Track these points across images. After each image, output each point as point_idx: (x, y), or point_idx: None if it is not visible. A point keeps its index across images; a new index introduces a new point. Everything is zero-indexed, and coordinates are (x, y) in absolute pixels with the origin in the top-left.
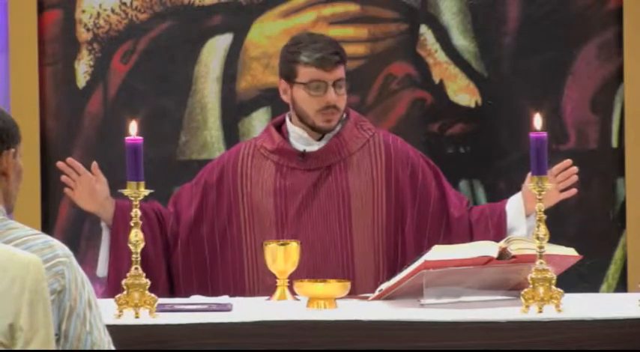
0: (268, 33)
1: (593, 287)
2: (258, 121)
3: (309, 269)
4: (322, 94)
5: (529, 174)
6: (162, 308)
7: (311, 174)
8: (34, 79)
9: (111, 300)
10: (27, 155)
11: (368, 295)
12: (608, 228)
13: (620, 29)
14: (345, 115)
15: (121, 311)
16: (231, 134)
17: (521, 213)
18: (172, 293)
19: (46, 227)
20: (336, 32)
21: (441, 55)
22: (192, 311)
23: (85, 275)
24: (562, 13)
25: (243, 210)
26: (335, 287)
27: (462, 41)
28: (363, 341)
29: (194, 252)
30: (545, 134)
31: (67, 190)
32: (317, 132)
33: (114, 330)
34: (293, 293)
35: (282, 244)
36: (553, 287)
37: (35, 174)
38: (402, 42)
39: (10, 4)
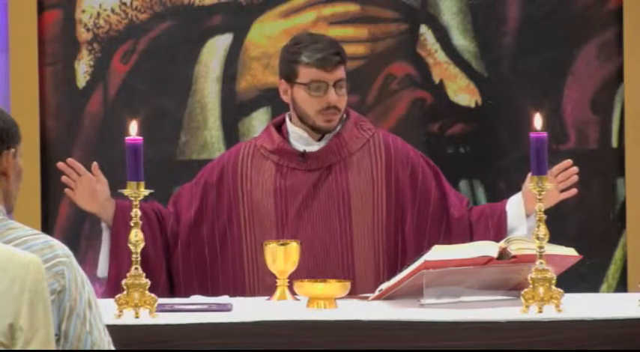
0: (268, 33)
1: (593, 287)
2: (258, 121)
3: (310, 269)
4: (323, 95)
5: (529, 174)
6: (162, 308)
7: (311, 175)
8: (34, 79)
9: (111, 300)
10: (27, 155)
11: (368, 295)
12: (608, 228)
13: (620, 29)
14: (345, 115)
15: (121, 311)
16: (231, 134)
17: (522, 213)
18: (172, 293)
19: (46, 227)
20: (336, 32)
21: (441, 55)
22: (192, 311)
23: (85, 276)
24: (562, 13)
25: (243, 210)
26: (335, 287)
27: (462, 41)
28: (363, 341)
29: (194, 252)
30: (545, 134)
31: (67, 191)
32: (317, 132)
33: (114, 330)
34: (293, 293)
35: (282, 244)
36: (553, 287)
37: (35, 174)
38: (402, 42)
39: (10, 4)
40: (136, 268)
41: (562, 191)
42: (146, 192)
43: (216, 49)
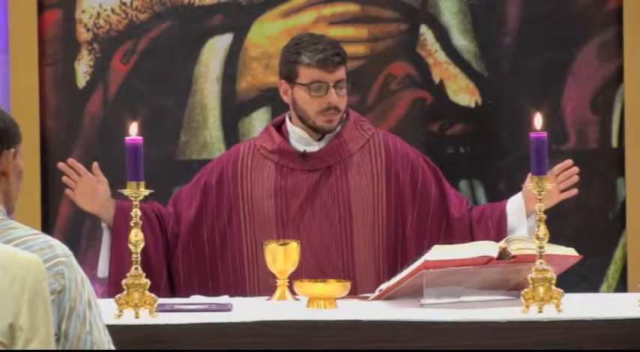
0: (268, 33)
1: (593, 287)
2: (258, 121)
3: (310, 270)
4: (323, 95)
5: (529, 174)
6: (162, 308)
7: (311, 175)
8: (34, 79)
9: (111, 300)
10: (27, 155)
11: (368, 295)
12: (608, 228)
13: (620, 29)
14: (345, 116)
15: (121, 311)
16: (231, 134)
17: (522, 213)
18: (173, 294)
19: (46, 227)
20: (336, 32)
21: (441, 55)
22: (192, 311)
23: (85, 275)
24: (562, 13)
25: (243, 210)
26: (335, 287)
27: (462, 41)
28: (363, 341)
29: (194, 253)
30: (545, 134)
31: (67, 191)
32: (317, 132)
33: (114, 330)
34: (293, 293)
35: (282, 244)
36: (553, 287)
37: (35, 174)
38: (402, 42)
39: (10, 4)
40: (136, 268)
41: (562, 191)
42: (146, 192)
43: (216, 49)
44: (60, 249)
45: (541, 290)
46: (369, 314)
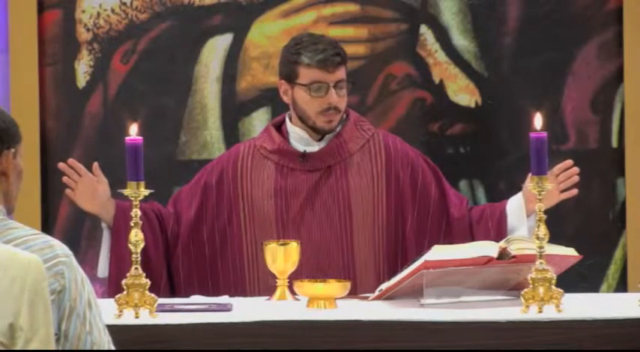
0: (268, 33)
1: (593, 287)
2: (258, 121)
3: (310, 270)
4: (323, 95)
5: (529, 174)
6: (162, 308)
7: (311, 175)
8: (34, 79)
9: (111, 300)
10: (27, 155)
11: (368, 295)
12: (608, 228)
13: (620, 29)
14: (345, 116)
15: (121, 311)
16: (231, 134)
17: (522, 213)
18: (173, 294)
19: (46, 227)
20: (336, 32)
21: (441, 55)
22: (192, 311)
23: (85, 275)
24: (562, 13)
25: (243, 210)
26: (335, 287)
27: (462, 41)
28: (363, 341)
29: (194, 253)
30: (545, 134)
31: (68, 191)
32: (317, 132)
33: (114, 330)
34: (293, 293)
35: (282, 244)
36: (553, 287)
37: (35, 174)
38: (402, 42)
39: (10, 4)
40: (136, 268)
41: (562, 191)
42: (146, 192)
43: (216, 49)
44: (60, 249)
45: (541, 290)
46: (369, 314)
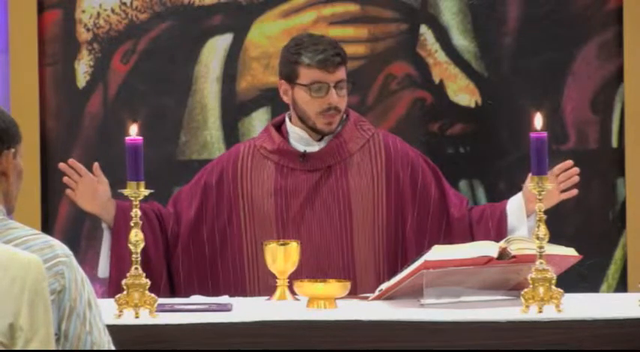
0: (268, 33)
1: (593, 287)
2: (258, 121)
3: (310, 270)
4: (324, 96)
5: (530, 174)
6: (162, 308)
7: (311, 175)
8: (34, 79)
9: (111, 300)
10: (27, 155)
11: (368, 295)
12: (608, 228)
13: (620, 29)
14: (344, 116)
15: (121, 311)
16: (231, 134)
17: (522, 213)
18: (173, 294)
19: (46, 227)
20: (336, 32)
21: (441, 55)
22: (192, 311)
23: (85, 275)
24: (562, 13)
25: (243, 210)
26: (335, 287)
27: (462, 41)
28: (363, 341)
29: (194, 253)
30: (545, 134)
31: (68, 191)
32: (317, 133)
33: (114, 330)
34: (293, 293)
35: (282, 244)
36: (553, 287)
37: (35, 174)
38: (402, 42)
39: (10, 4)
40: (136, 268)
41: (563, 191)
42: (146, 192)
43: (216, 49)
44: (60, 249)
45: (541, 290)
46: (369, 314)
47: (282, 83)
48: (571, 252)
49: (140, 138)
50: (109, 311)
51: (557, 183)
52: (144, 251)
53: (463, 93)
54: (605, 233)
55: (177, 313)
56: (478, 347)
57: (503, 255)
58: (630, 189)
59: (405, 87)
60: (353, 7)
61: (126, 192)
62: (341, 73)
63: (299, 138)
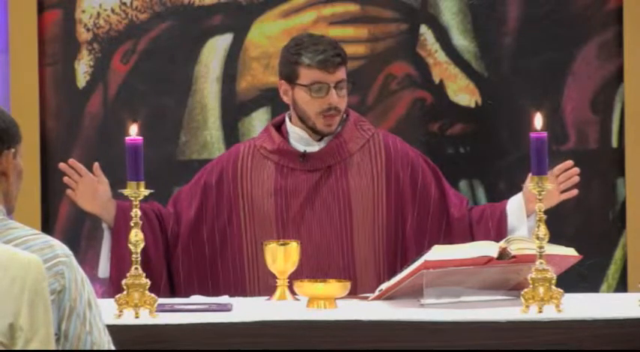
0: (268, 33)
1: (593, 287)
2: (258, 121)
3: (310, 270)
4: (324, 96)
5: (530, 174)
6: (162, 308)
7: (311, 175)
8: (34, 79)
9: (111, 300)
10: (27, 155)
11: (368, 295)
12: (608, 228)
13: (620, 29)
14: (344, 116)
15: (121, 311)
16: (231, 134)
17: (522, 213)
18: (173, 294)
19: (46, 227)
20: (336, 32)
21: (441, 55)
22: (192, 311)
23: (85, 275)
24: (562, 13)
25: (243, 210)
26: (335, 287)
27: (462, 41)
28: (363, 341)
29: (194, 253)
30: (545, 134)
31: (68, 191)
32: (317, 133)
33: (114, 330)
34: (293, 293)
35: (282, 244)
36: (553, 287)
37: (35, 174)
38: (402, 42)
39: (10, 4)
40: (136, 268)
41: (563, 192)
42: (146, 192)
43: (216, 49)
44: (60, 249)
45: (541, 290)
46: (369, 314)
47: (282, 83)
48: (571, 252)
49: (140, 138)
50: (109, 311)
51: (558, 183)
52: (144, 251)
53: (463, 93)
54: (605, 233)
55: (177, 313)
56: (478, 347)
57: (503, 255)
58: (630, 189)
59: (405, 87)
60: (353, 7)
61: (126, 192)
62: (341, 74)
63: (299, 138)
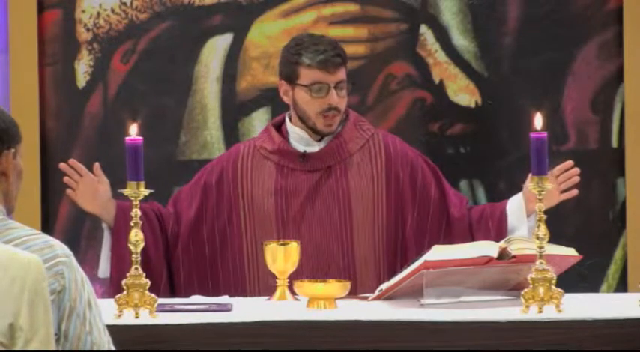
0: (268, 33)
1: (593, 287)
2: (258, 121)
3: (310, 270)
4: (324, 96)
5: (530, 174)
6: (162, 308)
7: (311, 175)
8: (34, 79)
9: (111, 300)
10: (27, 155)
11: (368, 295)
12: (608, 228)
13: (620, 29)
14: (344, 116)
15: (121, 311)
16: (231, 134)
17: (522, 213)
18: (173, 294)
19: (46, 227)
20: (336, 32)
21: (441, 55)
22: (192, 311)
23: (85, 275)
24: (562, 13)
25: (243, 210)
26: (335, 287)
27: (462, 41)
28: (363, 341)
29: (194, 252)
30: (545, 134)
31: (69, 191)
32: (317, 133)
33: (114, 330)
34: (293, 293)
35: (282, 244)
36: (553, 287)
37: (35, 174)
38: (402, 42)
39: (10, 4)
40: (136, 268)
41: (563, 192)
42: (146, 192)
43: (216, 49)
44: (60, 249)
45: (541, 290)
46: (369, 314)
47: (282, 83)
48: (571, 252)
49: (140, 138)
50: (109, 311)
51: (558, 183)
52: (144, 251)
53: (463, 93)
54: (605, 233)
55: (177, 313)
56: (478, 347)
57: (503, 255)
58: (630, 189)
59: (405, 87)
60: (353, 7)
61: (126, 192)
62: (341, 74)
63: (299, 139)
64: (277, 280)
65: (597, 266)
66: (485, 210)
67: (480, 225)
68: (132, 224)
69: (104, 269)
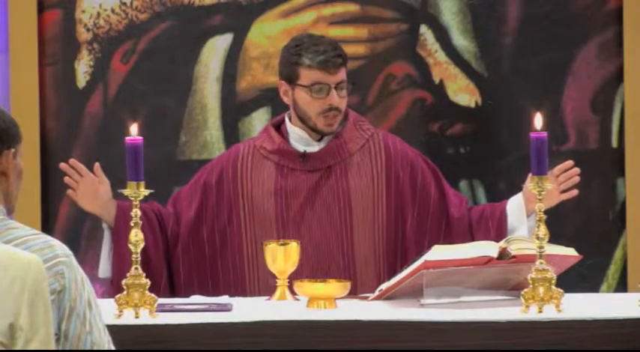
0: (268, 33)
1: (593, 287)
2: (258, 121)
3: (310, 270)
4: (324, 96)
5: (530, 174)
6: (162, 308)
7: (311, 175)
8: (34, 79)
9: (111, 300)
10: (27, 155)
11: (368, 295)
12: (608, 228)
13: (620, 29)
14: (344, 116)
15: (121, 311)
16: (231, 134)
17: (522, 213)
18: (173, 294)
19: (46, 227)
20: (336, 32)
21: (441, 55)
22: (192, 311)
23: (85, 275)
24: (562, 13)
25: (243, 210)
26: (335, 287)
27: (462, 41)
28: (363, 341)
29: (194, 253)
30: (545, 134)
31: (69, 192)
32: (317, 133)
33: (114, 330)
34: (293, 293)
35: (282, 244)
36: (553, 287)
37: (35, 174)
38: (402, 42)
39: (10, 4)
40: (136, 268)
41: (563, 192)
42: (146, 192)
43: (216, 49)
44: (60, 249)
45: (541, 290)
46: (369, 314)
47: (282, 84)
48: (571, 252)
49: (140, 138)
50: (109, 311)
51: (558, 183)
52: (144, 251)
53: (463, 93)
54: (605, 233)
55: (177, 313)
56: (478, 347)
57: (503, 255)
58: (630, 189)
59: (405, 87)
60: (353, 7)
61: (126, 192)
62: (342, 74)
63: (299, 139)
64: (277, 280)
65: (597, 266)
66: (485, 210)
67: (479, 225)
68: (132, 224)
69: (104, 269)
